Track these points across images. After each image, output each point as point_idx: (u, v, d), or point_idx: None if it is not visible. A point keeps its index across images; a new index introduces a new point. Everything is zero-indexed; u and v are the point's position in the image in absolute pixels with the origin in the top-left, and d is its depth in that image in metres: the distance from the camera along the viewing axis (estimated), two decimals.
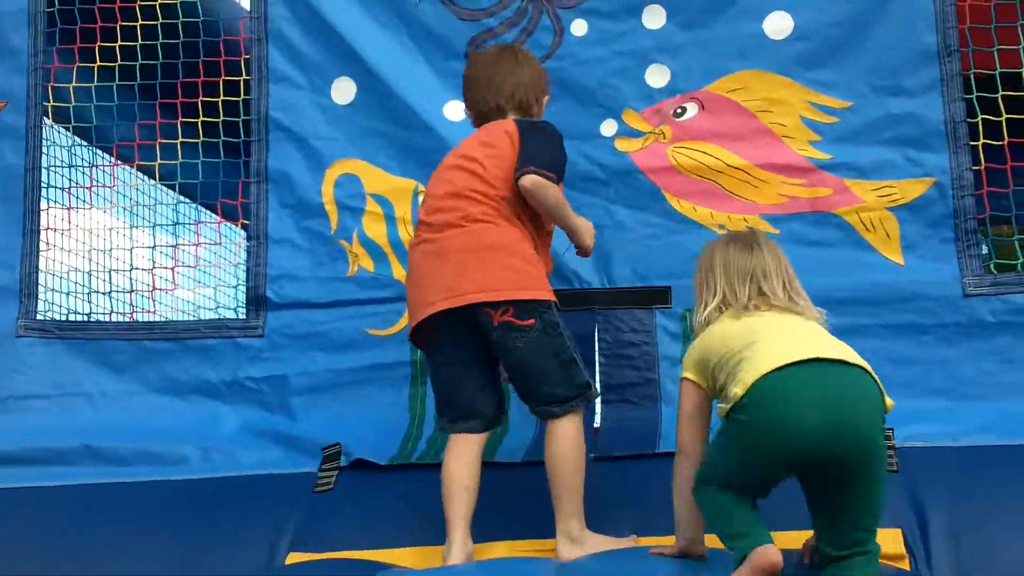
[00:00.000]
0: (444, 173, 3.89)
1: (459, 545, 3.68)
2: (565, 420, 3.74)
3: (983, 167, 4.49)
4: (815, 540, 3.29)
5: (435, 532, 3.81)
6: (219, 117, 4.93)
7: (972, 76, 4.56)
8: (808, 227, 4.49)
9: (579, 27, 4.69)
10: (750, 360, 3.17)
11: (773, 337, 3.24)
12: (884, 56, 4.57)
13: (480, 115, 4.01)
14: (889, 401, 3.25)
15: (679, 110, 4.63)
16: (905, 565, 3.59)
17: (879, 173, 4.52)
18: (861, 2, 4.59)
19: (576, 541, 3.65)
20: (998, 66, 4.53)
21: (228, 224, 5.43)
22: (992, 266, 4.52)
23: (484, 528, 3.79)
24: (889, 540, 3.62)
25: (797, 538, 3.42)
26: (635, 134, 4.65)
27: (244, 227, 4.95)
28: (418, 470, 4.29)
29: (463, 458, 3.77)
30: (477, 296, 3.70)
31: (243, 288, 4.95)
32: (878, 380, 3.21)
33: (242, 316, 4.92)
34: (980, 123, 4.49)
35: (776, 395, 3.09)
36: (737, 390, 3.14)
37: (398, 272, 4.64)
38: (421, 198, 4.65)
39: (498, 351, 3.77)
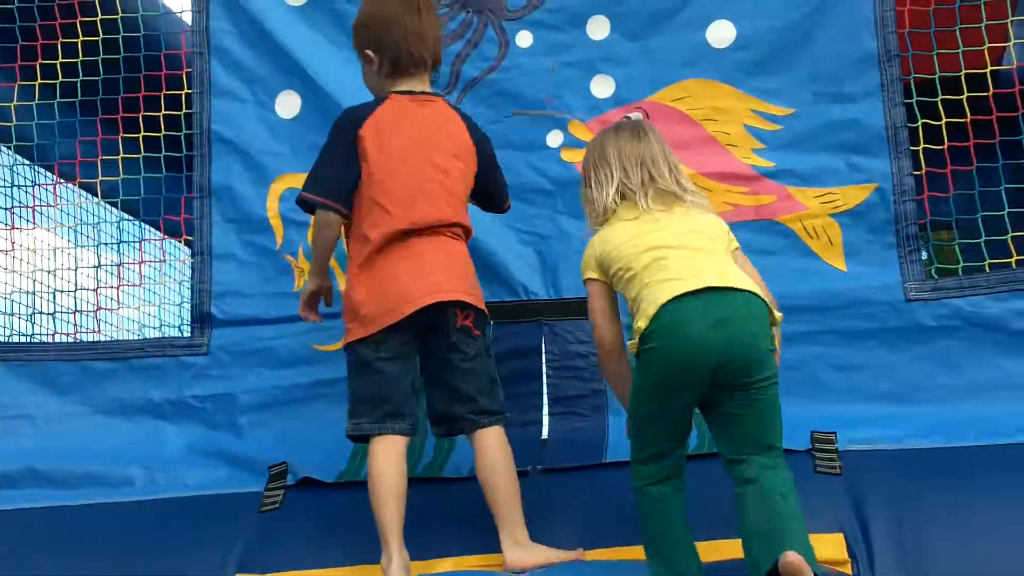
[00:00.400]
0: (414, 175, 3.84)
1: (399, 555, 3.65)
2: (495, 431, 3.78)
3: (924, 172, 4.51)
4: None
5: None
6: (161, 132, 4.90)
7: (912, 81, 4.59)
8: (753, 235, 4.47)
9: (524, 38, 4.69)
10: (651, 292, 3.42)
11: (670, 264, 3.47)
12: (825, 63, 4.60)
13: (400, 67, 3.94)
14: (778, 314, 3.51)
15: (625, 120, 4.64)
16: (848, 569, 3.60)
17: (821, 180, 4.54)
18: (802, 9, 4.61)
19: (525, 548, 3.65)
20: (938, 71, 4.55)
21: (172, 241, 5.39)
22: (933, 271, 4.54)
23: (429, 544, 3.80)
24: (831, 544, 3.66)
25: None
26: (581, 144, 4.60)
27: (188, 243, 4.92)
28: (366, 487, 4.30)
29: (393, 461, 3.74)
30: (457, 295, 3.80)
31: (187, 306, 4.91)
32: (765, 299, 3.46)
33: (187, 334, 4.87)
34: (921, 128, 4.52)
35: (675, 321, 3.35)
36: (641, 323, 3.38)
37: (344, 286, 4.63)
38: None
39: (446, 354, 3.81)
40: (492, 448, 3.78)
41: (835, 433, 4.10)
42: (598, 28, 4.68)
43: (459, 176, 3.96)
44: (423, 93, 3.97)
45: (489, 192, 4.14)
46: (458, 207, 3.95)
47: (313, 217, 3.92)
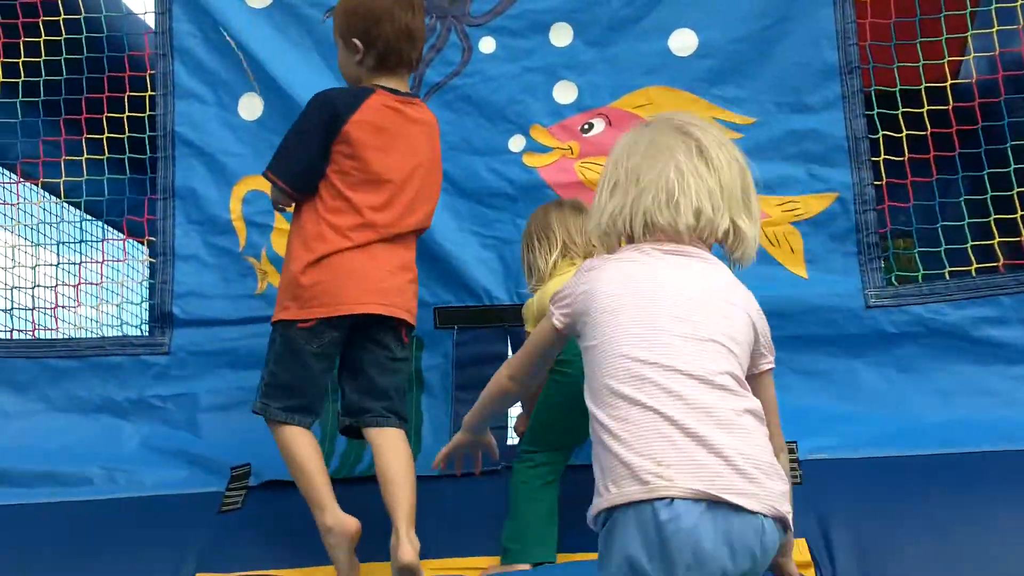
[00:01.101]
0: (396, 179, 3.80)
1: (340, 516, 3.66)
2: (401, 433, 3.80)
3: (884, 182, 4.56)
4: None
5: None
6: (125, 133, 4.90)
7: (873, 93, 4.63)
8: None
9: (487, 44, 4.69)
10: None
11: None
12: (787, 73, 4.62)
13: (385, 64, 3.85)
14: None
15: (586, 126, 4.66)
16: (811, 573, 3.62)
17: (783, 188, 4.56)
18: (764, 20, 4.63)
19: (414, 544, 3.61)
20: (898, 83, 4.60)
21: (133, 241, 5.36)
22: (893, 278, 4.59)
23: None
24: (795, 549, 3.60)
25: None
26: (543, 149, 4.67)
27: (149, 244, 4.90)
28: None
29: (307, 440, 3.77)
30: (400, 312, 3.81)
31: (148, 305, 4.89)
32: None
33: (147, 333, 4.86)
34: (881, 139, 4.57)
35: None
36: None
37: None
38: None
39: (374, 350, 3.81)
40: (401, 446, 3.76)
41: (796, 443, 4.11)
42: (561, 35, 4.69)
43: (435, 181, 3.98)
44: (406, 94, 3.90)
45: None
46: (431, 213, 3.96)
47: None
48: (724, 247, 2.96)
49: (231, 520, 4.19)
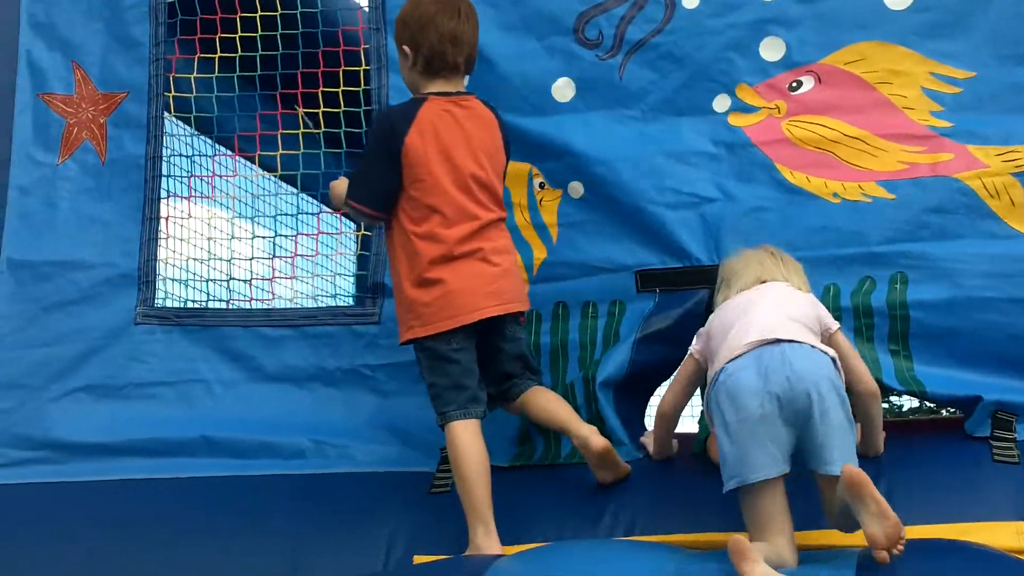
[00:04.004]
0: (463, 176, 4.07)
1: (493, 529, 3.89)
2: (539, 387, 4.24)
3: None
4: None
5: (566, 528, 4.01)
6: (340, 108, 4.98)
7: None
8: (927, 192, 4.33)
9: (691, 0, 4.59)
10: None
11: None
12: (1007, 25, 4.42)
13: (432, 67, 4.14)
14: None
15: (795, 84, 4.53)
16: None
17: (1004, 140, 4.34)
18: None
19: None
20: None
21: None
22: None
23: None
24: (1009, 532, 3.63)
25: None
26: (749, 109, 4.55)
27: None
28: (536, 470, 4.37)
29: (478, 441, 3.98)
30: (516, 306, 4.15)
31: (360, 275, 4.99)
32: None
33: (358, 304, 4.95)
34: None
35: None
36: None
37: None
38: (537, 182, 4.65)
39: (499, 343, 4.16)
40: (544, 391, 4.22)
41: (1015, 418, 4.00)
42: None
43: (497, 172, 4.20)
44: (458, 93, 4.18)
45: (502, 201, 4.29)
46: (500, 202, 4.20)
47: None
48: None
49: (441, 501, 4.24)
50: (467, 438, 3.95)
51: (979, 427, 4.07)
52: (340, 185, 4.26)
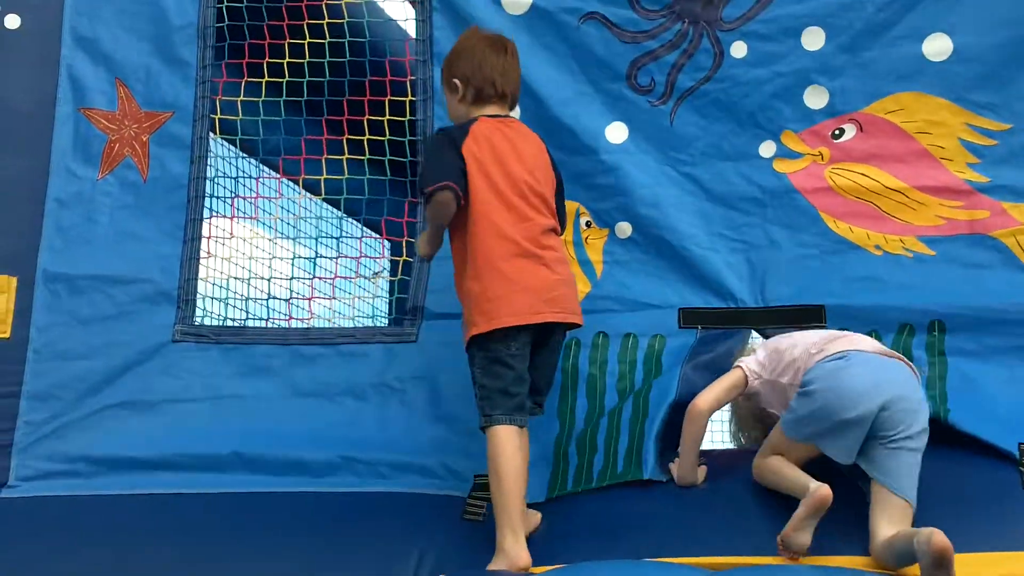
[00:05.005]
0: (518, 184, 4.15)
1: (523, 539, 3.92)
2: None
3: None
4: None
5: (592, 548, 3.95)
6: (384, 136, 5.04)
7: None
8: (965, 249, 4.50)
9: (739, 49, 4.71)
10: None
11: None
12: None
13: (483, 96, 4.29)
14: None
15: (837, 131, 4.66)
16: None
17: None
18: (1020, 25, 4.55)
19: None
20: None
21: (387, 239, 5.51)
22: None
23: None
24: None
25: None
26: (794, 155, 4.69)
27: (393, 244, 5.12)
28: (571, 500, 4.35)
29: (519, 449, 4.02)
30: (572, 317, 4.19)
31: (393, 299, 5.06)
32: None
33: (396, 324, 5.01)
34: None
35: None
36: None
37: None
38: (584, 220, 4.78)
39: (546, 353, 4.22)
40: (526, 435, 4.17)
41: None
42: (813, 39, 4.67)
43: (549, 187, 4.29)
44: (506, 116, 4.32)
45: (556, 214, 4.34)
46: (555, 214, 4.28)
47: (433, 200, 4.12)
48: None
49: (472, 527, 4.27)
50: (508, 442, 3.98)
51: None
52: (423, 236, 4.38)
